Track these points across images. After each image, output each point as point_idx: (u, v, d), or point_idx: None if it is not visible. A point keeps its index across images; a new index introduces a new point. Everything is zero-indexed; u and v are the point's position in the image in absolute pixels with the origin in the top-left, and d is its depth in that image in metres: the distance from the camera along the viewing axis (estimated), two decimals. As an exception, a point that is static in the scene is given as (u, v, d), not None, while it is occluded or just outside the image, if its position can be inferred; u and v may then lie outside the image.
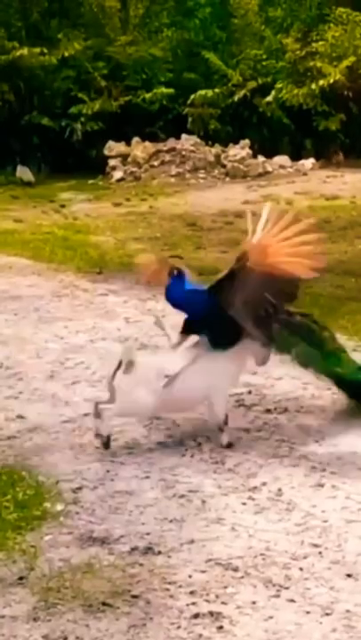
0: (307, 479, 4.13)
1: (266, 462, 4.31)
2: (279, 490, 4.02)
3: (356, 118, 17.79)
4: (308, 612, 3.14)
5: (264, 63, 18.57)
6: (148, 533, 3.69)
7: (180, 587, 3.31)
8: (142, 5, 20.43)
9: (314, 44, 17.99)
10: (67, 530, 3.71)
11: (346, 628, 3.05)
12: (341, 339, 6.14)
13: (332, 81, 17.27)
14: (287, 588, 3.29)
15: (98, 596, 3.24)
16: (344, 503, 3.89)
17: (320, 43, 17.93)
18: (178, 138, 17.26)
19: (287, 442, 4.54)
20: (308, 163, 16.73)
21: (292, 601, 3.21)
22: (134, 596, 3.25)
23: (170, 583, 3.33)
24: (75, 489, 4.08)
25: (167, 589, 3.29)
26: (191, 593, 3.27)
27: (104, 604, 3.19)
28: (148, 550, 3.56)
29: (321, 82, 17.31)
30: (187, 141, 17.05)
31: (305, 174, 16.00)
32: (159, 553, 3.54)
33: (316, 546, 3.57)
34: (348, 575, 3.37)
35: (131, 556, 3.53)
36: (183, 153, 16.75)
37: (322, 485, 4.05)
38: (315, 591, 3.27)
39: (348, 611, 3.14)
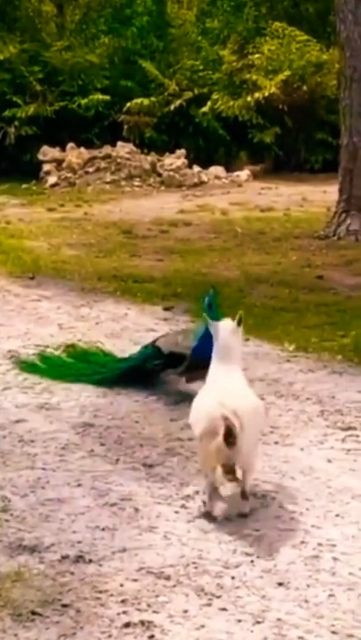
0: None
1: (199, 471, 4.30)
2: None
3: (291, 132, 18.00)
4: (239, 621, 3.14)
5: (200, 74, 18.67)
6: (79, 542, 3.65)
7: (112, 595, 3.28)
8: (79, 11, 20.39)
9: (250, 57, 18.16)
10: (-4, 538, 3.65)
11: (277, 637, 3.06)
12: (275, 349, 6.22)
13: (267, 94, 17.45)
14: (219, 597, 3.28)
15: (27, 604, 3.18)
16: (277, 512, 3.90)
17: (256, 55, 18.11)
18: (113, 145, 17.23)
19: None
20: (243, 174, 16.86)
21: (224, 609, 3.21)
22: (64, 605, 3.20)
23: (101, 592, 3.30)
24: (4, 496, 4.02)
25: (98, 598, 3.26)
26: (122, 602, 3.24)
27: (33, 613, 3.14)
28: (79, 559, 3.52)
29: (256, 94, 17.48)
30: (122, 149, 17.03)
31: (240, 185, 16.12)
32: (90, 561, 3.50)
33: (248, 554, 3.57)
34: (280, 584, 3.37)
35: (61, 564, 3.48)
36: (119, 160, 16.72)
37: (254, 494, 4.05)
38: (246, 600, 3.27)
39: (279, 619, 3.15)
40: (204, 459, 3.92)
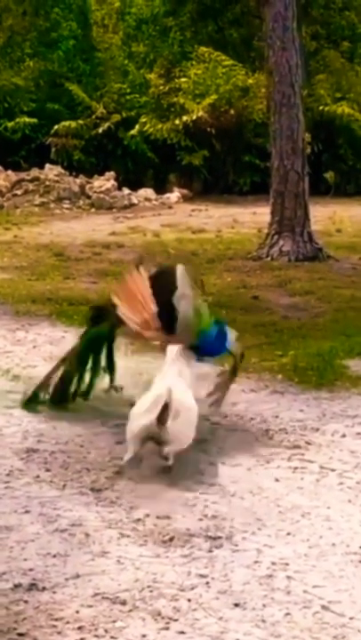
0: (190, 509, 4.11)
1: (149, 494, 4.28)
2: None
3: (219, 155, 18.19)
4: (198, 644, 3.12)
5: (128, 97, 18.79)
6: (31, 569, 3.58)
7: (68, 623, 3.22)
8: (3, 35, 20.33)
9: (177, 81, 18.35)
10: None
11: (237, 658, 3.04)
12: (215, 370, 6.22)
13: (194, 117, 17.64)
14: (176, 620, 3.25)
15: (-18, 635, 3.11)
16: (228, 532, 3.89)
17: (183, 79, 18.31)
18: (41, 167, 17.16)
19: (168, 473, 4.52)
20: (173, 196, 16.96)
21: (182, 632, 3.18)
22: (20, 634, 3.14)
23: (57, 619, 3.24)
24: None
25: (54, 626, 3.20)
26: (79, 628, 3.19)
27: (-11, 643, 3.07)
28: (32, 586, 3.45)
29: (184, 118, 17.66)
30: (50, 171, 16.97)
31: (170, 207, 16.21)
32: (44, 589, 3.44)
33: (202, 576, 3.55)
34: (236, 604, 3.36)
35: (14, 593, 3.41)
36: (47, 183, 16.66)
37: (206, 516, 4.04)
38: (204, 622, 3.25)
39: (237, 640, 3.14)
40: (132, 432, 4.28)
